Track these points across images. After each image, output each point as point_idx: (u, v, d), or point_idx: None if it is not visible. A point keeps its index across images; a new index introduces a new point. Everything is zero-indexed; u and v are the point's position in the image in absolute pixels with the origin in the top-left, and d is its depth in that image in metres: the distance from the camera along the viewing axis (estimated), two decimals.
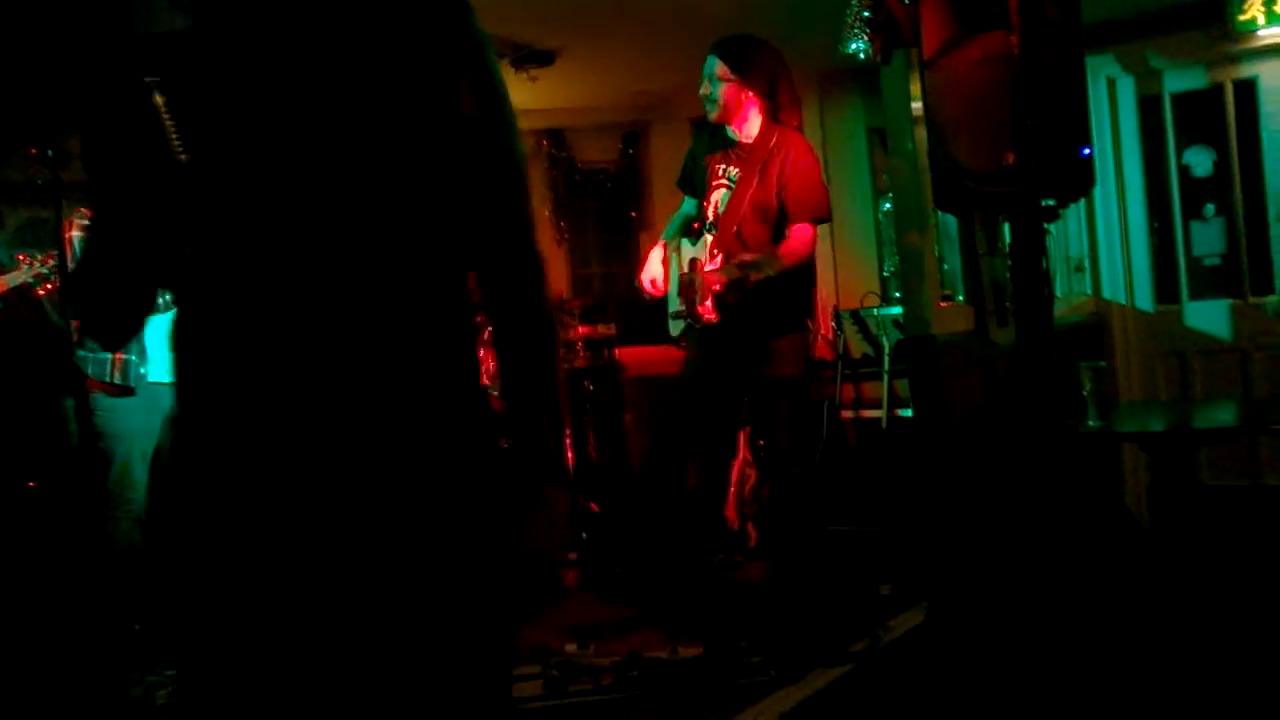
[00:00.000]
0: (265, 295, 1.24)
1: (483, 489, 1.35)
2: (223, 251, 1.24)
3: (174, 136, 1.20)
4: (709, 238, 3.70)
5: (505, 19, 4.76)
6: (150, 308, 1.40)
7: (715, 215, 3.71)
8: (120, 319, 1.40)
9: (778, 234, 3.60)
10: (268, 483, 1.25)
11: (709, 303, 3.62)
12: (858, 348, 5.88)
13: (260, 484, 1.25)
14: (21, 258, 4.26)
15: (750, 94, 3.63)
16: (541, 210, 7.25)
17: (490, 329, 1.44)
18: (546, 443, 1.42)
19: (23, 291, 4.19)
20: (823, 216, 3.65)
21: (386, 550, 1.27)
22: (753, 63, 3.64)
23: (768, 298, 3.54)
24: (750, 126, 3.67)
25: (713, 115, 3.69)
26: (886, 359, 5.56)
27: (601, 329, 5.98)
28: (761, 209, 3.60)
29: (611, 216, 7.33)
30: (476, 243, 1.40)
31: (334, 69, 1.27)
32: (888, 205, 6.43)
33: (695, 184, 3.89)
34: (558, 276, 7.19)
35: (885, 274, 6.60)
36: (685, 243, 3.82)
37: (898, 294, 6.32)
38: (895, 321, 5.48)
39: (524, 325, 1.44)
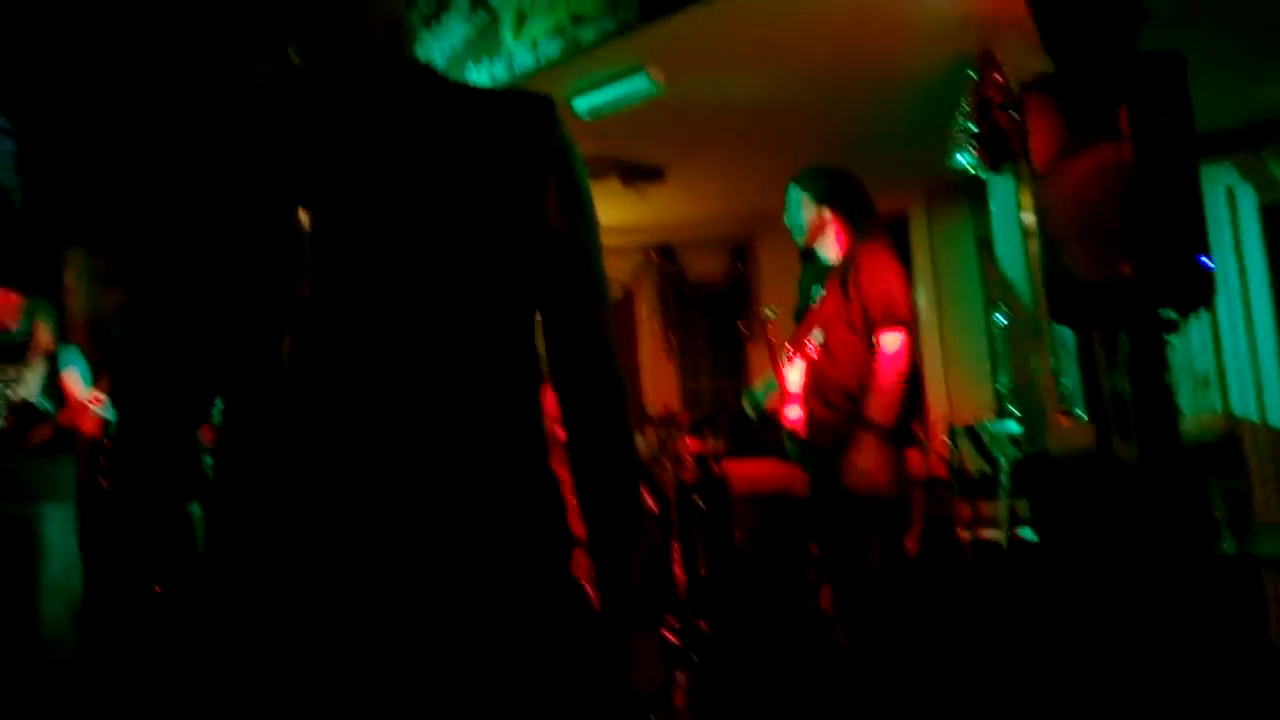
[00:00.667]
0: (345, 397, 1.24)
1: (563, 622, 1.29)
2: (309, 350, 1.24)
3: (304, 236, 1.22)
4: (790, 348, 3.76)
5: (616, 137, 4.90)
6: (205, 415, 1.39)
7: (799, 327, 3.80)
8: (171, 424, 1.38)
9: (868, 343, 3.57)
10: (327, 599, 1.22)
11: (789, 410, 3.68)
12: (974, 464, 5.71)
13: (319, 600, 1.22)
14: None
15: (829, 216, 3.71)
16: (652, 323, 7.34)
17: (569, 447, 1.39)
18: (633, 576, 1.34)
19: None
20: (903, 318, 3.57)
21: (457, 684, 1.23)
22: (828, 189, 3.74)
23: (856, 409, 3.52)
24: (836, 247, 3.73)
25: (800, 240, 3.81)
26: (1004, 477, 5.37)
27: (711, 443, 5.95)
28: (846, 320, 3.60)
29: (720, 330, 7.37)
30: (556, 357, 1.38)
31: (427, 175, 1.29)
32: (1000, 316, 6.31)
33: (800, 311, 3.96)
34: (667, 389, 7.22)
35: (1000, 387, 6.44)
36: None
37: (1013, 408, 6.15)
38: (1012, 438, 5.31)
39: (607, 446, 1.38)
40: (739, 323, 7.34)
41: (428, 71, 1.39)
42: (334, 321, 1.24)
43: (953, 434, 5.82)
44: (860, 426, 3.48)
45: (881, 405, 3.46)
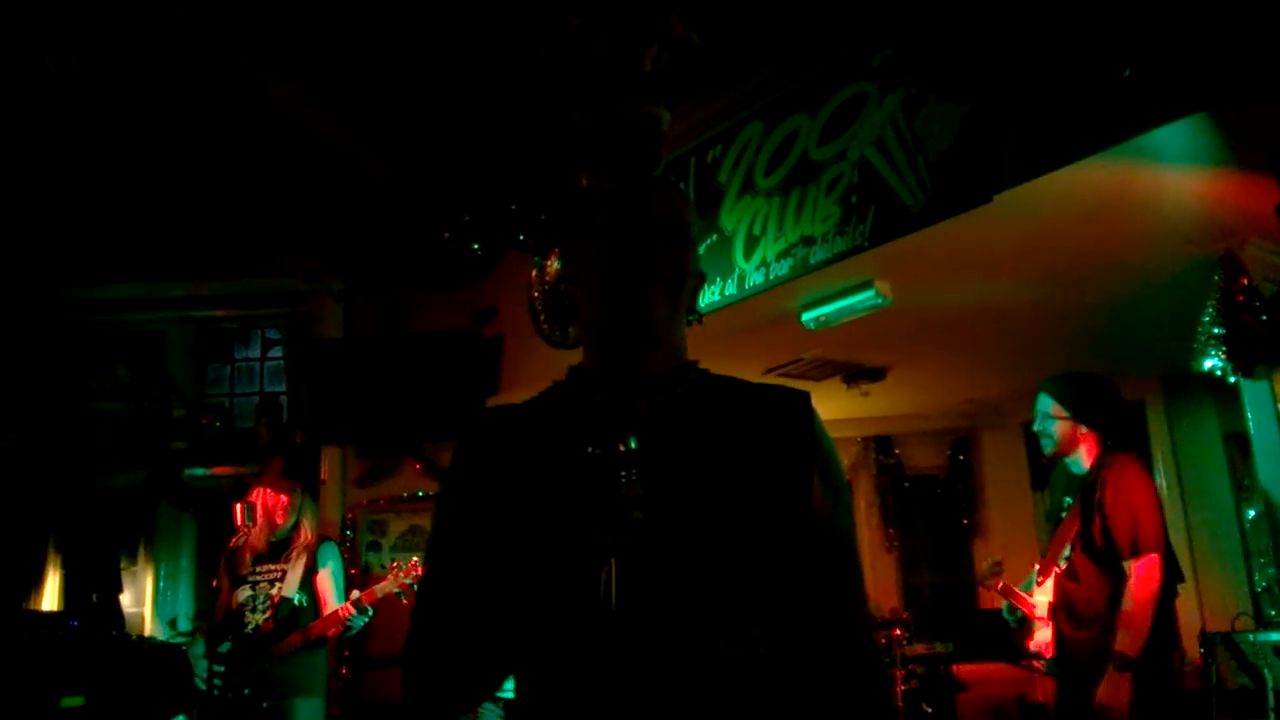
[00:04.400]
0: (641, 693, 1.31)
1: None
2: (606, 646, 1.32)
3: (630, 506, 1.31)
4: (1037, 566, 3.71)
5: (840, 342, 4.98)
6: (493, 688, 1.49)
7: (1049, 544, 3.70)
8: (458, 697, 1.48)
9: (1111, 566, 3.44)
10: None
11: (1038, 633, 3.62)
12: (1233, 678, 5.24)
13: None
14: (393, 565, 4.68)
15: (1084, 429, 3.60)
16: (870, 516, 7.21)
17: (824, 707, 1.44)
18: None
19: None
20: (1151, 545, 3.39)
21: None
22: (1085, 400, 3.62)
23: (1103, 629, 3.38)
24: (1086, 458, 3.61)
25: (1048, 451, 3.69)
26: (1271, 694, 4.91)
27: (938, 646, 5.75)
28: (1088, 540, 3.49)
29: (942, 523, 7.17)
30: (815, 633, 1.44)
31: (720, 476, 1.40)
32: (1253, 512, 5.90)
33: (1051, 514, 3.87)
34: (887, 586, 7.03)
35: (1258, 589, 5.96)
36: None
37: (1274, 611, 5.66)
38: (1278, 650, 4.88)
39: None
40: (962, 517, 7.11)
41: (702, 373, 1.52)
42: (632, 619, 1.31)
43: (1207, 642, 5.40)
44: (1107, 658, 3.33)
45: (1128, 637, 3.31)
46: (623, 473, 1.30)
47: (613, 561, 1.29)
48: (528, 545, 1.38)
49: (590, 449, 1.32)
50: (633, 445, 1.31)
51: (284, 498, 4.69)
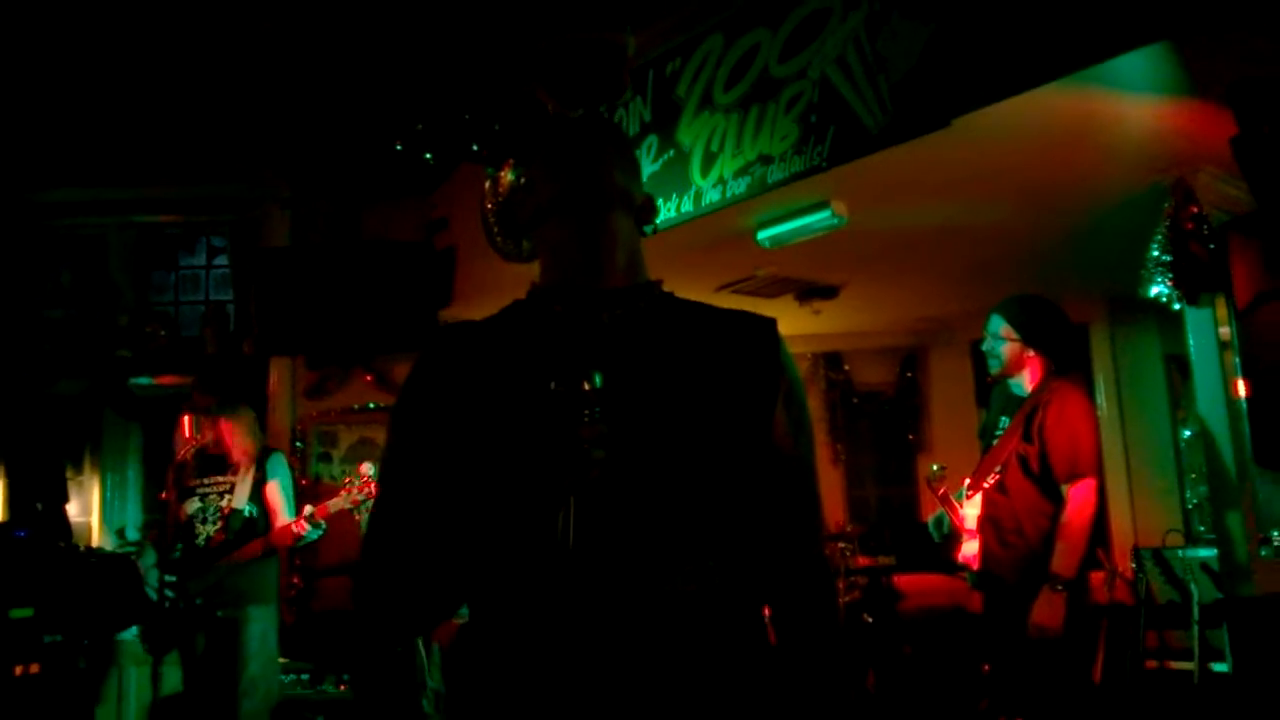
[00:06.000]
0: (599, 620, 1.33)
1: None
2: (564, 571, 1.33)
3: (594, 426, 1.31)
4: (967, 480, 3.79)
5: (794, 261, 4.98)
6: (446, 615, 1.52)
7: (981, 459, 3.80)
8: (410, 621, 1.54)
9: (1045, 487, 3.57)
10: None
11: (966, 545, 3.73)
12: (1162, 592, 5.44)
13: None
14: (345, 481, 4.71)
15: (1032, 352, 3.68)
16: (817, 431, 7.29)
17: (780, 628, 1.49)
18: None
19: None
20: (1088, 469, 3.55)
21: None
22: (1037, 324, 3.73)
23: (1030, 547, 3.51)
24: (1029, 381, 3.71)
25: (994, 370, 3.81)
26: (1196, 608, 5.11)
27: (881, 558, 5.90)
28: (1023, 459, 3.61)
29: (889, 438, 7.29)
30: (772, 559, 1.48)
31: (681, 397, 1.41)
32: (1189, 432, 6.06)
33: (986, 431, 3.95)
34: (833, 499, 7.15)
35: (1189, 507, 6.16)
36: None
37: (1202, 528, 5.85)
38: (1204, 566, 5.06)
39: (818, 650, 1.48)
40: (908, 433, 7.23)
41: (666, 295, 1.52)
42: (589, 556, 1.33)
43: (1138, 557, 5.58)
44: (1042, 578, 3.45)
45: (1067, 559, 3.44)
46: (586, 410, 1.29)
47: (571, 500, 1.30)
48: (486, 478, 1.38)
49: (554, 385, 1.31)
50: (597, 383, 1.30)
51: (241, 426, 4.71)
